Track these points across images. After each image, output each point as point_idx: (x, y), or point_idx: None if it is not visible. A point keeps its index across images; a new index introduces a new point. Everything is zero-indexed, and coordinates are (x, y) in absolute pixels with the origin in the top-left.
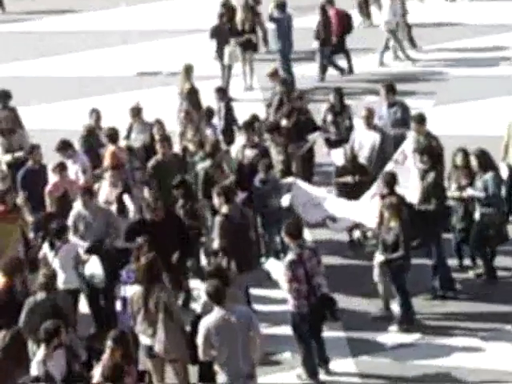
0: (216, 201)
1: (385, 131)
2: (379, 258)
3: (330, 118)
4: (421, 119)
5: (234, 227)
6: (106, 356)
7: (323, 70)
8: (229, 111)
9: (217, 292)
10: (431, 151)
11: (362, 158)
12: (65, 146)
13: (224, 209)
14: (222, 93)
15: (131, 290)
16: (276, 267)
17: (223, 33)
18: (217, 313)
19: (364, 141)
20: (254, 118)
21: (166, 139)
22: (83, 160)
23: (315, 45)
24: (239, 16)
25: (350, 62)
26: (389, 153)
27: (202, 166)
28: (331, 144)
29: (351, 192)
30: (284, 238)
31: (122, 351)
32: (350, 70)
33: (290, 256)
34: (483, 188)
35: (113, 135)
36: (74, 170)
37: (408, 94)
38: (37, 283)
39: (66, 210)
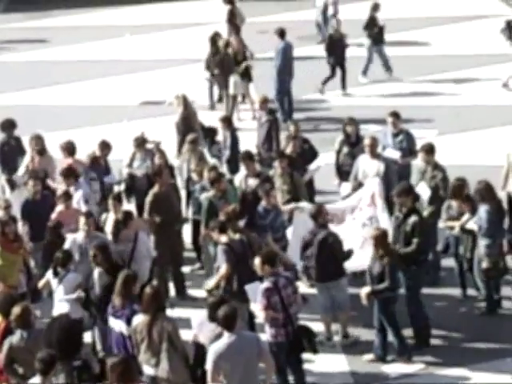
0: (214, 235)
1: (389, 160)
2: (365, 289)
3: (345, 149)
4: (430, 149)
5: (236, 256)
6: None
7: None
8: (234, 140)
9: (227, 318)
10: (413, 192)
11: None
12: (68, 174)
13: (223, 238)
14: (228, 122)
15: (136, 320)
16: (254, 291)
17: (227, 63)
18: (227, 339)
19: (368, 170)
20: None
21: (166, 168)
22: (86, 190)
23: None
24: (234, 46)
25: None
26: (393, 182)
27: (206, 195)
28: (343, 175)
29: None
30: (258, 266)
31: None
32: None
33: (265, 284)
34: (478, 220)
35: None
36: (75, 200)
37: (411, 124)
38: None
39: (62, 239)
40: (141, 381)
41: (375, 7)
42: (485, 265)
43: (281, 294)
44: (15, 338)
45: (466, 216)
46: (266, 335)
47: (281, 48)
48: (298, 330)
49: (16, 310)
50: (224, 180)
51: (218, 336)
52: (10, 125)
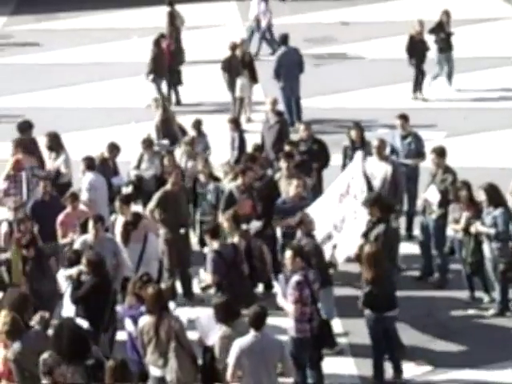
0: (206, 238)
1: (396, 162)
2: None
3: (350, 153)
4: (441, 152)
5: (226, 262)
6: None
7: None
8: (242, 142)
9: (257, 317)
10: (382, 203)
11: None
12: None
13: (214, 245)
14: (235, 123)
15: (142, 321)
16: (283, 284)
17: (234, 65)
18: (252, 337)
19: (376, 172)
20: (256, 149)
21: (177, 170)
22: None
23: (150, 77)
24: (241, 48)
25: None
26: (401, 184)
27: (230, 185)
28: None
29: None
30: (289, 259)
31: (121, 380)
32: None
33: (296, 277)
34: (492, 224)
35: (27, 145)
36: (85, 197)
37: (419, 126)
38: None
39: None
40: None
41: (446, 13)
42: (502, 267)
43: (311, 287)
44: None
45: (464, 219)
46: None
47: (278, 54)
48: (321, 324)
49: (5, 320)
50: (250, 174)
51: (227, 337)
52: (27, 126)
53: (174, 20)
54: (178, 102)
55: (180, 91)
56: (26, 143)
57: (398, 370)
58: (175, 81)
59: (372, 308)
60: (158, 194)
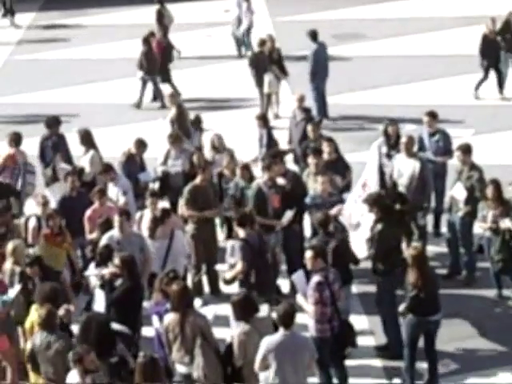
0: (235, 226)
1: (424, 159)
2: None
3: (384, 150)
4: (467, 149)
5: (253, 250)
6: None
7: (154, 98)
8: (270, 139)
9: (286, 315)
10: (382, 202)
11: (401, 187)
12: (107, 170)
13: (241, 233)
14: (264, 120)
15: (167, 319)
16: (301, 281)
17: (262, 61)
18: (281, 336)
19: (403, 169)
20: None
21: (209, 166)
22: (124, 182)
23: (139, 74)
24: (269, 44)
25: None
26: (429, 182)
27: (257, 181)
28: (383, 176)
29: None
30: (309, 259)
31: (151, 378)
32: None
33: (317, 278)
34: None
35: (16, 139)
36: (114, 193)
37: (447, 123)
38: None
39: None
40: (165, 381)
41: None
42: None
43: (331, 288)
44: (37, 338)
45: (491, 217)
46: (308, 332)
47: (313, 50)
48: (342, 324)
49: (41, 312)
50: (275, 169)
51: (246, 333)
52: (55, 121)
53: (162, 18)
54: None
55: (176, 86)
56: (19, 139)
57: (434, 376)
58: (165, 78)
59: (416, 312)
60: (188, 188)
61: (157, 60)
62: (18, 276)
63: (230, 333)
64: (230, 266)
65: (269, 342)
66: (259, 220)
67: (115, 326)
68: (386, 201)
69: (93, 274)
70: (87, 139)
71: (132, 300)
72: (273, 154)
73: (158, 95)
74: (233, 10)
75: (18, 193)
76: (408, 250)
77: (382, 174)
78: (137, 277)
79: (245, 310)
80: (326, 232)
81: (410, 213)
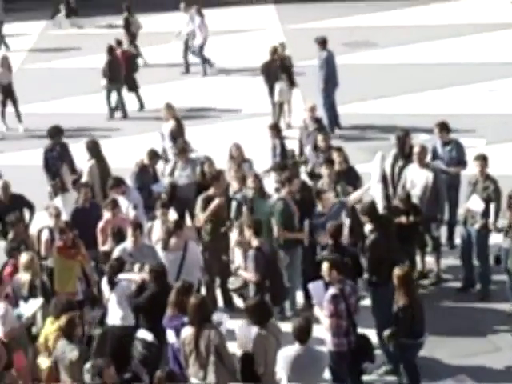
0: (246, 233)
1: (438, 170)
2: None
3: (400, 163)
4: (485, 159)
5: (266, 260)
6: None
7: (116, 107)
8: (283, 149)
9: (302, 330)
10: (375, 213)
11: (414, 197)
12: (118, 184)
13: (255, 242)
14: (277, 130)
15: (184, 333)
16: (317, 291)
17: (273, 69)
18: (297, 351)
19: (416, 179)
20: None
21: (223, 174)
22: (135, 196)
23: (103, 82)
24: (280, 53)
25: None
26: (442, 192)
27: (279, 196)
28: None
29: (404, 233)
30: (326, 271)
31: None
32: (142, 106)
33: (332, 290)
34: None
35: None
36: (125, 206)
37: (459, 133)
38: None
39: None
40: None
41: None
42: None
43: (347, 301)
44: (58, 346)
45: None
46: (325, 346)
47: (324, 58)
48: (359, 339)
49: (62, 321)
50: (296, 182)
51: (263, 337)
52: (57, 131)
53: (129, 26)
54: (142, 106)
55: (141, 96)
56: None
57: None
58: (131, 86)
59: (409, 335)
60: (202, 197)
61: (121, 69)
62: (40, 288)
63: (237, 345)
64: (236, 269)
65: (284, 356)
66: (288, 235)
67: (143, 333)
68: (378, 211)
69: (124, 277)
70: (93, 149)
71: (157, 308)
72: (279, 167)
73: (120, 105)
74: (184, 27)
75: (31, 205)
76: (395, 270)
77: (385, 184)
78: (165, 285)
79: (260, 314)
80: (336, 243)
81: (424, 224)
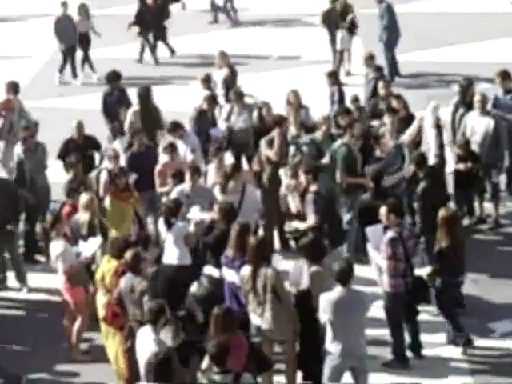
0: (302, 179)
1: (498, 117)
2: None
3: (461, 110)
4: None
5: (324, 202)
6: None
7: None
8: (341, 96)
9: (343, 273)
10: (423, 162)
11: (474, 144)
12: (175, 128)
13: (313, 186)
14: (334, 77)
15: (243, 271)
16: (375, 235)
17: (334, 18)
18: (339, 293)
19: (477, 126)
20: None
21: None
22: (193, 140)
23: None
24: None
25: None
26: (502, 139)
27: (342, 141)
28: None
29: (462, 179)
30: (384, 215)
31: (226, 328)
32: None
33: (390, 233)
34: None
35: (15, 87)
36: (183, 150)
37: None
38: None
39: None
40: (239, 333)
41: None
42: None
43: (405, 244)
44: (123, 282)
45: None
46: (377, 287)
47: (384, 7)
48: (416, 280)
49: (127, 255)
50: (357, 125)
51: (319, 273)
52: (115, 76)
53: None
54: (172, 52)
55: (170, 43)
56: (17, 87)
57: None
58: (161, 35)
59: (445, 273)
60: (265, 140)
61: (151, 17)
62: (98, 228)
63: (289, 283)
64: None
65: (326, 299)
66: (351, 180)
67: (210, 270)
68: (427, 160)
69: (194, 216)
70: (145, 95)
71: (226, 245)
72: (343, 111)
73: (152, 51)
74: None
75: (99, 146)
76: (440, 211)
77: (439, 132)
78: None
79: (315, 251)
80: (377, 187)
81: (484, 170)
